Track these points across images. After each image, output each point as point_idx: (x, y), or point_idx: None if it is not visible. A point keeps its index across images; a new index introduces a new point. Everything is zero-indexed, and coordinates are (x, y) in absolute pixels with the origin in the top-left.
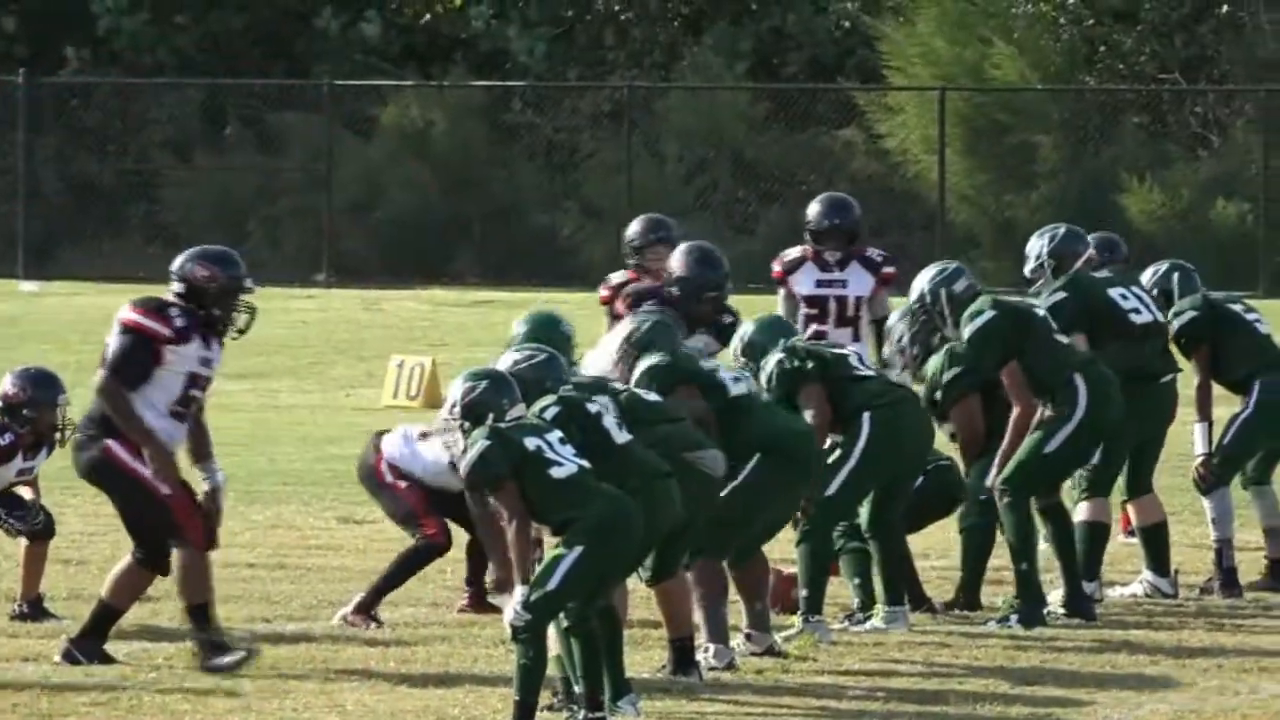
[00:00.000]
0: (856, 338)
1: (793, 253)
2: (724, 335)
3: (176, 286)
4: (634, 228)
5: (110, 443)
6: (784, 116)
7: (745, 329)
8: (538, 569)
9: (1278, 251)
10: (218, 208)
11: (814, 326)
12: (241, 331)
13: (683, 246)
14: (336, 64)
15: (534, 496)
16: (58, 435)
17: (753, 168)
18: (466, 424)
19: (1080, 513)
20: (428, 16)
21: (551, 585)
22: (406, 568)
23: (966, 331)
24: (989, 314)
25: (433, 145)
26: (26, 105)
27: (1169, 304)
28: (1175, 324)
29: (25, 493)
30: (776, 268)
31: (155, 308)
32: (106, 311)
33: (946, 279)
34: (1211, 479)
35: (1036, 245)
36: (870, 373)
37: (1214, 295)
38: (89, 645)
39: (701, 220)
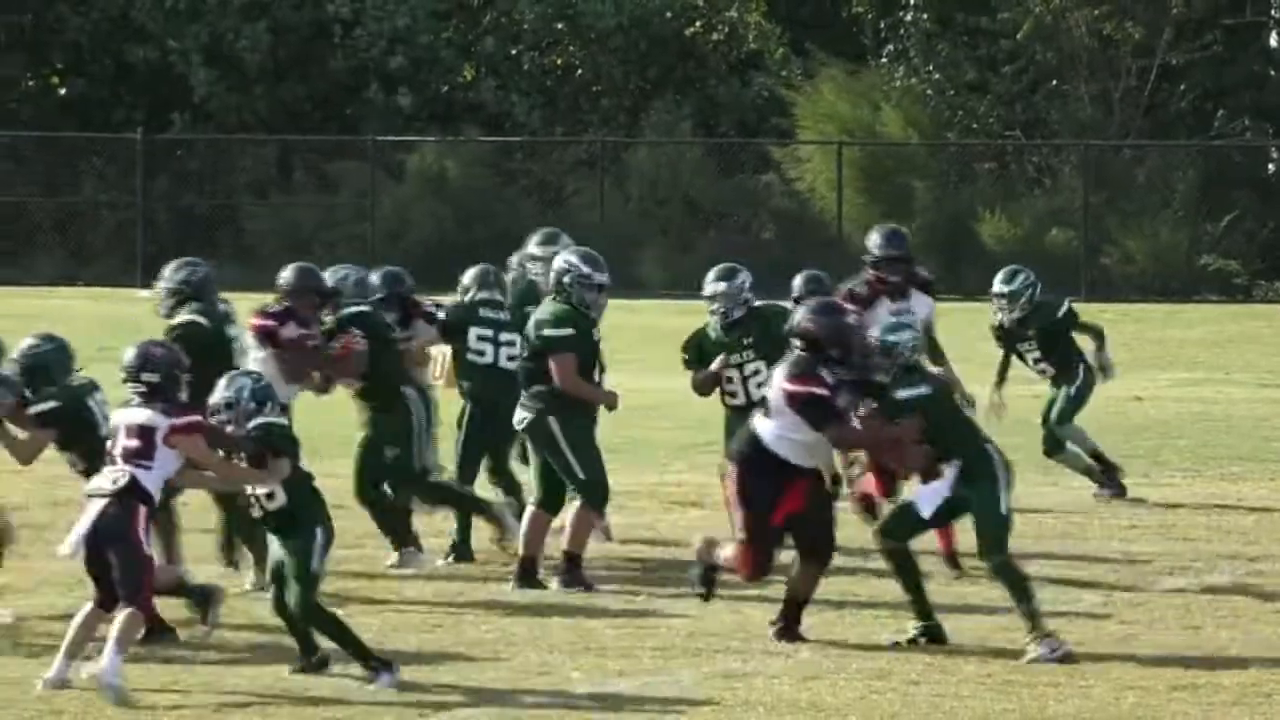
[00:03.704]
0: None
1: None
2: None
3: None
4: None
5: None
6: (719, 165)
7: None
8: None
9: (1093, 266)
10: (287, 234)
11: None
12: None
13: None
14: (378, 124)
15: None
16: None
17: (695, 203)
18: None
19: None
20: (446, 88)
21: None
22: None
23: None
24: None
25: (451, 186)
26: (143, 156)
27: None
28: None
29: None
30: (850, 304)
31: None
32: None
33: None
34: None
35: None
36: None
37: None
38: None
39: (655, 243)
